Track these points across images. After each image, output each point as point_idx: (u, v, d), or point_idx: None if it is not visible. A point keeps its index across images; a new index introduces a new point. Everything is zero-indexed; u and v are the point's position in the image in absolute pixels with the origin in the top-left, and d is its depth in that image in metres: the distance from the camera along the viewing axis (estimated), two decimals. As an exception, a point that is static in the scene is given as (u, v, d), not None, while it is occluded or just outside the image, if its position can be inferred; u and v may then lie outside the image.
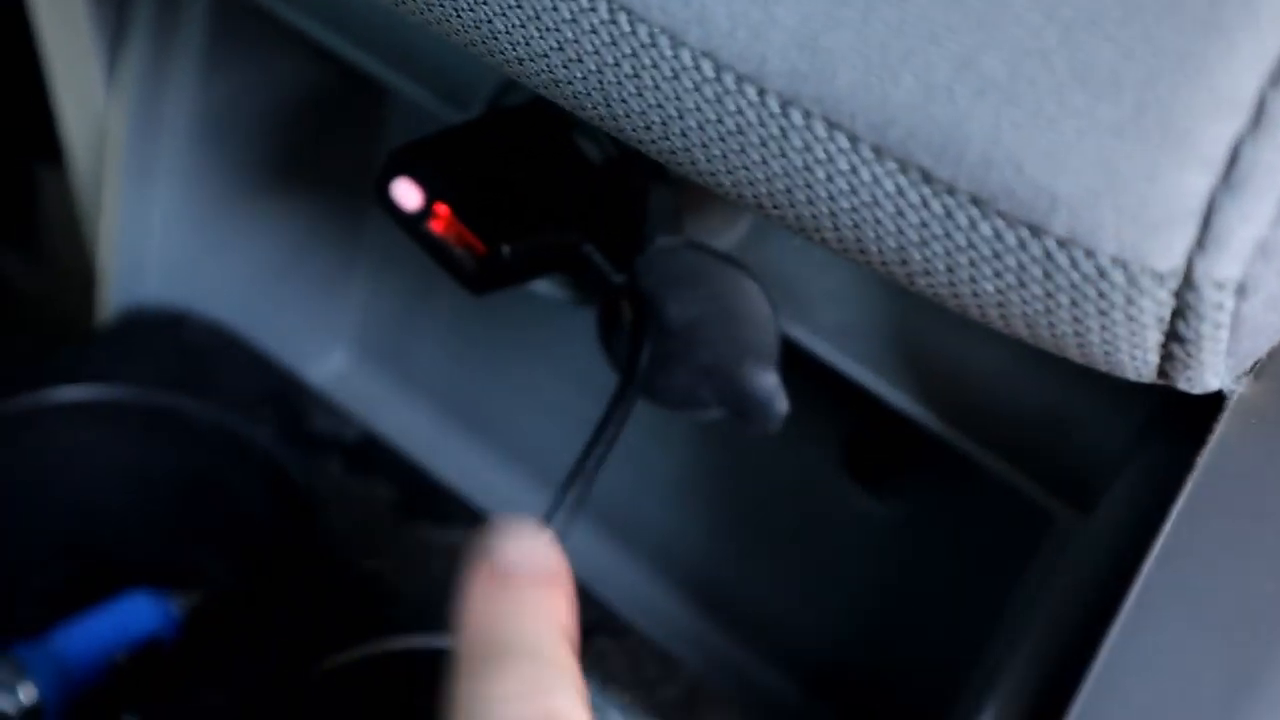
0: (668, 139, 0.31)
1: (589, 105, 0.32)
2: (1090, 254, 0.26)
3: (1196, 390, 0.28)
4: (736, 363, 0.44)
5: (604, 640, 0.55)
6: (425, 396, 0.68)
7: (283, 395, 0.62)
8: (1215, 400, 0.32)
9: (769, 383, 0.44)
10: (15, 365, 0.63)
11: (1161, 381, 0.29)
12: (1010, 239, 0.26)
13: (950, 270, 0.27)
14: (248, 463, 0.59)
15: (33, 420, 0.59)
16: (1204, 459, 0.33)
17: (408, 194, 0.40)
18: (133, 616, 0.54)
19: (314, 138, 0.63)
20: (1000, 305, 0.27)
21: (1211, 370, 0.27)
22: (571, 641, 0.35)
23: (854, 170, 0.28)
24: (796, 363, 0.46)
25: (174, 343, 0.63)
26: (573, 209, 0.43)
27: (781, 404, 0.45)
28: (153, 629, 0.55)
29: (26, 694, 0.51)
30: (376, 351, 0.70)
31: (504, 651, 0.33)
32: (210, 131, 0.61)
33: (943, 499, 0.54)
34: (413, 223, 0.40)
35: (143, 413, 0.60)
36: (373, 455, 0.60)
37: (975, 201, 0.26)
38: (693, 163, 0.31)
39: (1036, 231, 0.26)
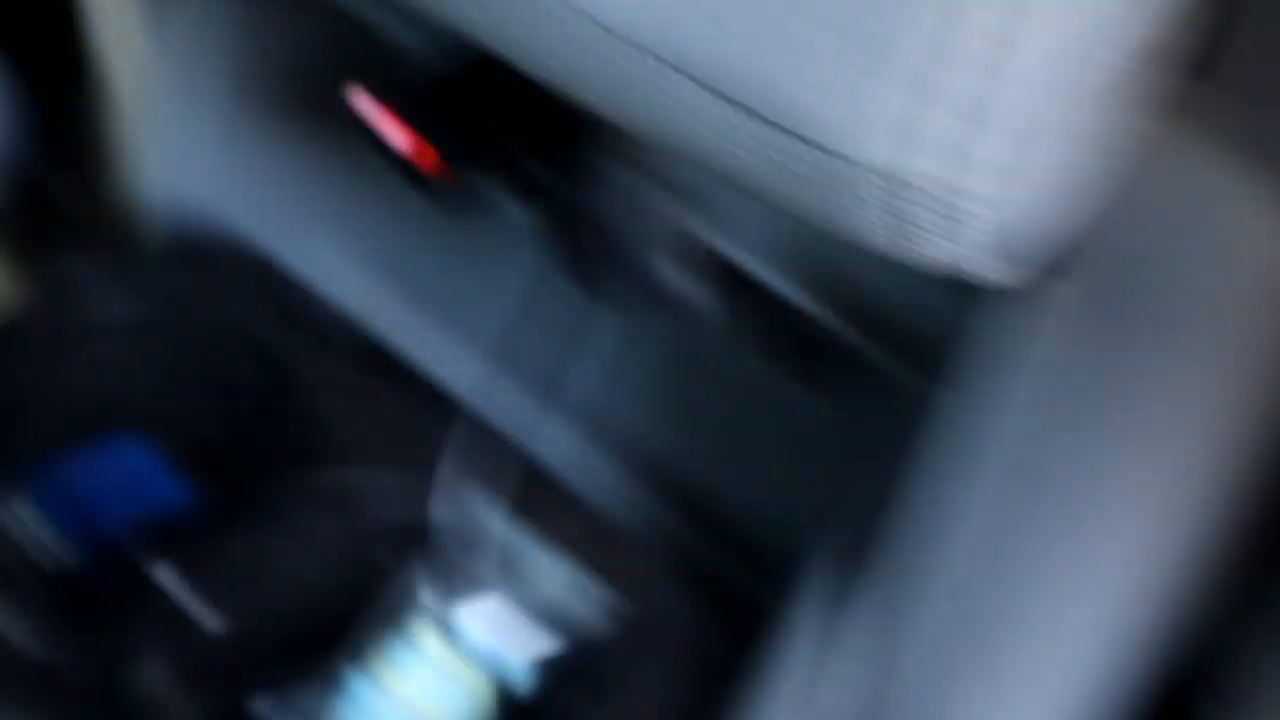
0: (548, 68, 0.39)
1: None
2: (825, 150, 0.33)
3: (989, 279, 0.36)
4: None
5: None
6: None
7: (291, 299, 0.70)
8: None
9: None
10: (55, 284, 0.70)
11: (923, 260, 0.36)
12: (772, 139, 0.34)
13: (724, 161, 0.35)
14: (242, 346, 0.67)
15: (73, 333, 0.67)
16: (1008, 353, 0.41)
17: (365, 105, 0.47)
18: (127, 455, 0.61)
19: (335, 77, 0.70)
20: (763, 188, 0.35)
21: (964, 259, 0.34)
22: None
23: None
24: (726, 270, 0.53)
25: (203, 265, 0.70)
26: (514, 117, 0.50)
27: (699, 296, 0.52)
28: (165, 495, 0.62)
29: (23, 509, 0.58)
30: (393, 271, 0.77)
31: None
32: (246, 66, 0.68)
33: (859, 391, 0.60)
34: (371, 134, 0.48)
35: (173, 325, 0.68)
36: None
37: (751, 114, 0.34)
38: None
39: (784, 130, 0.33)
